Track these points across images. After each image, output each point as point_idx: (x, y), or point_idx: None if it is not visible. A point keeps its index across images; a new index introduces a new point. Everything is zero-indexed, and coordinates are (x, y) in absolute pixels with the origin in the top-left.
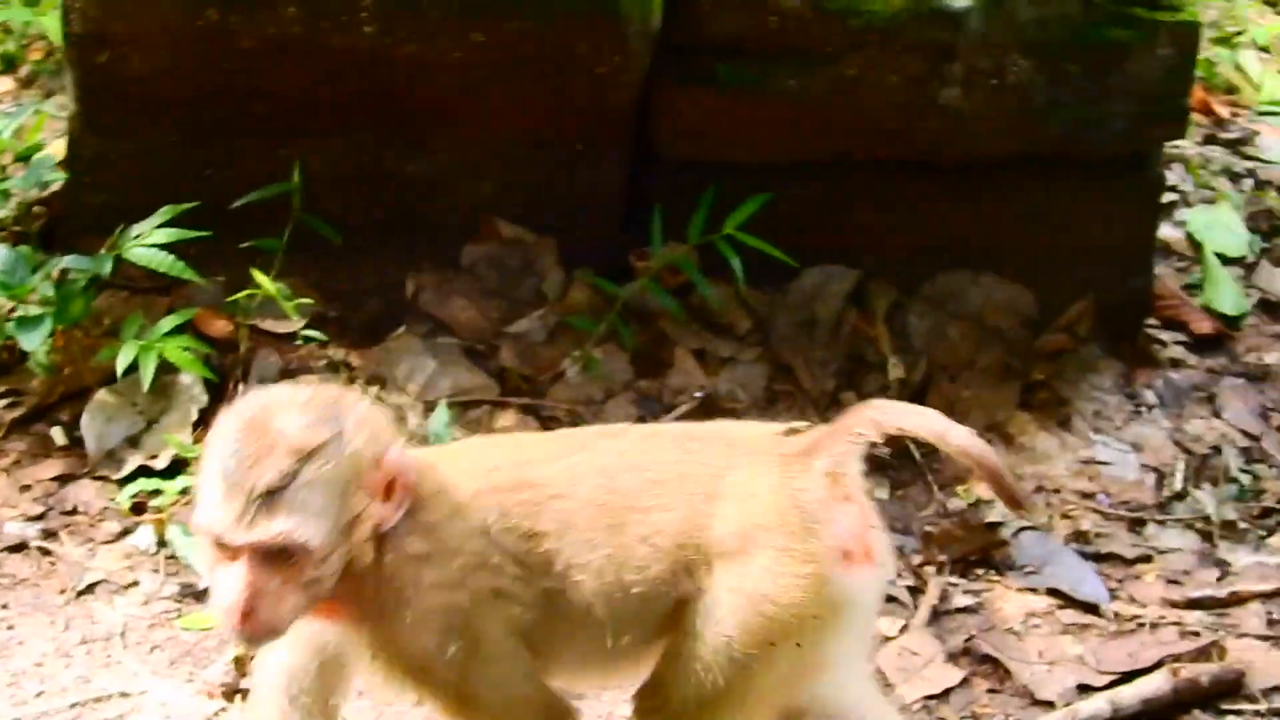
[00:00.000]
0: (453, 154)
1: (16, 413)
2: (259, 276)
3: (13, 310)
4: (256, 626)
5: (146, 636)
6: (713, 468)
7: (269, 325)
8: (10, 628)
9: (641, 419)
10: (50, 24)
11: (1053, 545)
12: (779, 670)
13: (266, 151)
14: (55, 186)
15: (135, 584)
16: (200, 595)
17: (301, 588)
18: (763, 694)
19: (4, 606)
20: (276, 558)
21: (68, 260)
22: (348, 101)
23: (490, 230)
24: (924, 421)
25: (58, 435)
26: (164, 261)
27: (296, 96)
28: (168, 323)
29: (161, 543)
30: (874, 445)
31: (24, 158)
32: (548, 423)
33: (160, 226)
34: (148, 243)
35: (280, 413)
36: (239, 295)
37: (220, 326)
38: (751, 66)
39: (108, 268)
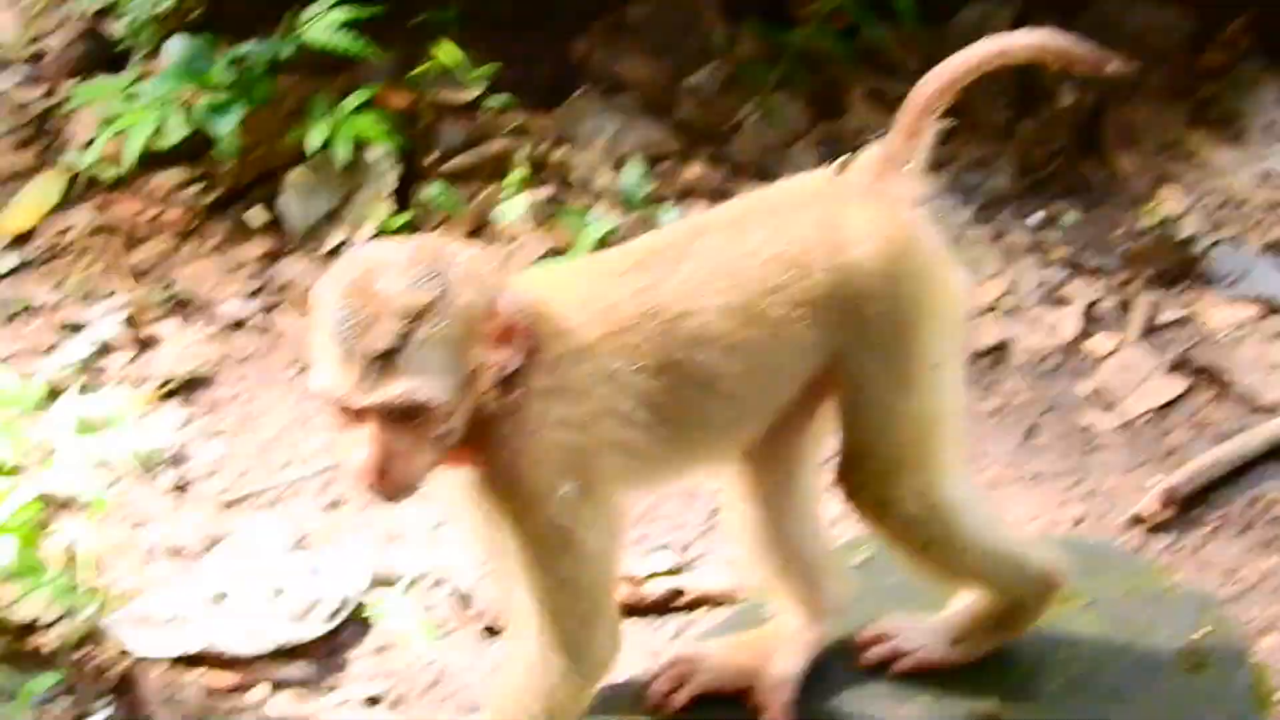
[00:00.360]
0: None
1: (210, 198)
2: (443, 46)
3: (193, 97)
4: (391, 484)
5: None
6: (820, 222)
7: (448, 97)
8: (250, 401)
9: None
10: None
11: (1249, 256)
12: (952, 383)
13: None
14: None
15: None
16: None
17: (430, 443)
18: (945, 416)
19: (242, 378)
20: (402, 417)
21: (248, 45)
22: None
23: None
24: (974, 55)
25: (255, 216)
26: (343, 40)
27: None
28: (352, 100)
29: None
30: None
31: None
32: (736, 169)
33: (334, 6)
34: (327, 22)
35: (382, 274)
36: (420, 69)
37: (400, 101)
38: None
39: (288, 50)
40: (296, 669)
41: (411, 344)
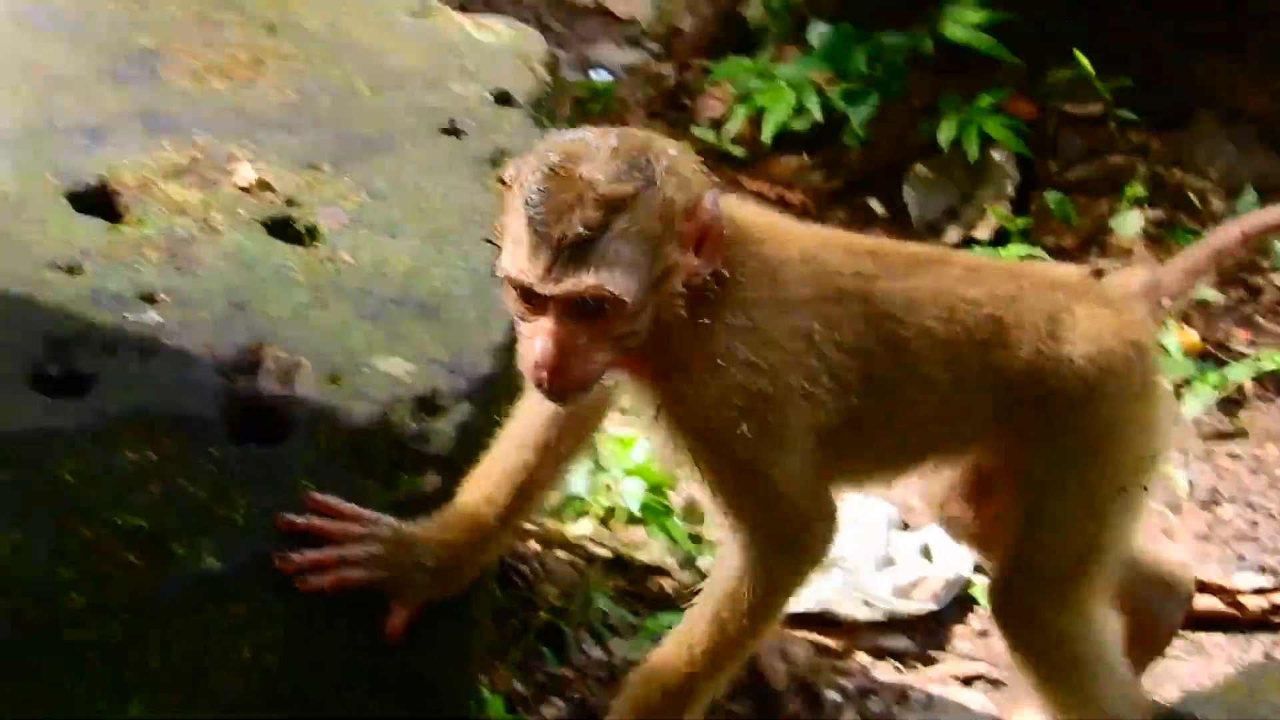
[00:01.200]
0: None
1: (835, 183)
2: (1079, 56)
3: (829, 83)
4: (565, 382)
5: None
6: (1051, 309)
7: (1073, 108)
8: None
9: None
10: None
11: None
12: (1131, 514)
13: None
14: None
15: None
16: None
17: (610, 342)
18: (1117, 547)
19: None
20: (586, 311)
21: (889, 37)
22: None
23: None
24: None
25: (877, 205)
26: (981, 40)
27: None
28: (984, 100)
29: None
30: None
31: None
32: None
33: (974, 7)
34: (964, 22)
35: (588, 161)
36: (1049, 77)
37: (1027, 108)
38: None
39: (928, 44)
40: (900, 640)
41: (608, 235)
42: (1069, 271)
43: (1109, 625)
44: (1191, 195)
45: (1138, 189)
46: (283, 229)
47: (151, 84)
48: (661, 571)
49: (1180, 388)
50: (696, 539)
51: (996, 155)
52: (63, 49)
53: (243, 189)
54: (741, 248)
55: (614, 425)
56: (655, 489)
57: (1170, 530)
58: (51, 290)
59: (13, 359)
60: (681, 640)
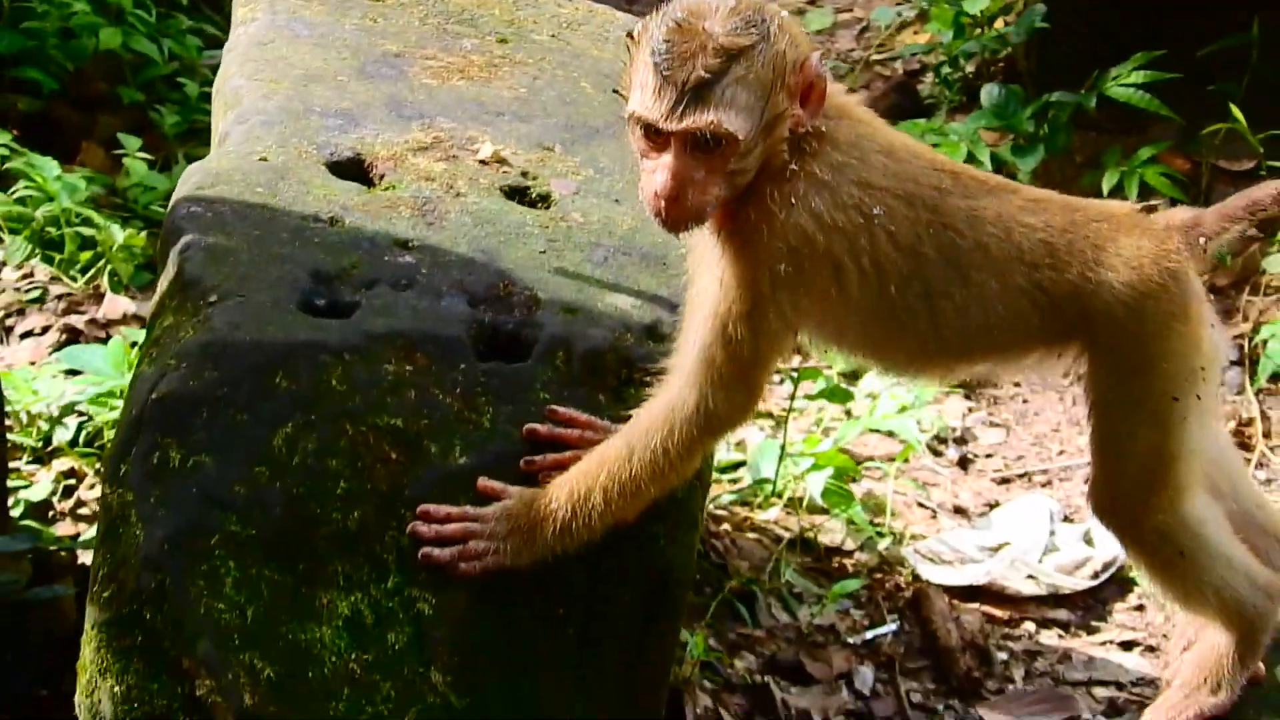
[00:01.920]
0: None
1: None
2: (1234, 110)
3: (999, 139)
4: (680, 210)
5: None
6: (1097, 238)
7: (1226, 163)
8: (1027, 401)
9: None
10: None
11: None
12: (1189, 425)
13: (1222, 6)
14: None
15: None
16: None
17: (723, 177)
18: (1186, 452)
19: (1018, 383)
20: (703, 147)
21: (1056, 95)
22: None
23: None
24: None
25: None
26: (1141, 98)
27: None
28: (1144, 153)
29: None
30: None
31: (1001, 13)
32: None
33: (1137, 68)
34: (1126, 82)
35: (710, 15)
36: (1206, 130)
37: (1183, 163)
38: None
39: (1092, 102)
40: (1063, 613)
41: (727, 78)
42: (1120, 206)
43: (1209, 518)
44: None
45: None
46: (520, 195)
47: (397, 80)
48: (843, 552)
49: None
50: (875, 525)
51: (1155, 203)
52: (318, 52)
53: (483, 162)
54: (839, 121)
55: (801, 420)
56: (839, 475)
57: None
58: (316, 236)
59: (284, 289)
60: (589, 464)
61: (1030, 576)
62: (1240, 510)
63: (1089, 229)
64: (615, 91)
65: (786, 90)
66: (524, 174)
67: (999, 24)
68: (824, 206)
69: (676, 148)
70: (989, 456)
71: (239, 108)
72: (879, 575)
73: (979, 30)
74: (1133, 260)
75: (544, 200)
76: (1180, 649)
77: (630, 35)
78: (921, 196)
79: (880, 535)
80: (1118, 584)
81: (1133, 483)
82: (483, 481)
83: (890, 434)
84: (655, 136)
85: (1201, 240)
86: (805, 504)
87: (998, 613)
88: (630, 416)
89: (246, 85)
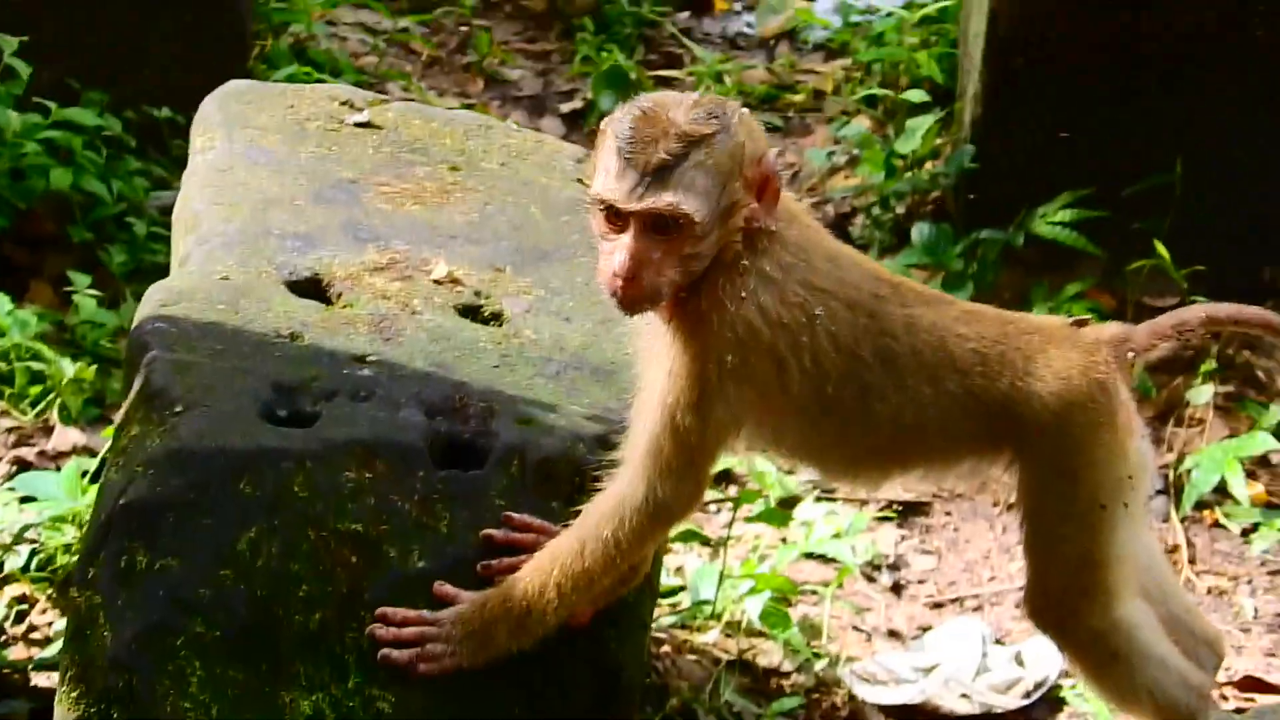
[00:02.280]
0: None
1: None
2: (1159, 246)
3: (930, 276)
4: (637, 290)
5: None
6: (1028, 349)
7: (1150, 299)
8: (957, 530)
9: None
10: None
11: None
12: (1118, 532)
13: (1146, 147)
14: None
15: None
16: None
17: (679, 260)
18: (1115, 558)
19: (949, 512)
20: (661, 229)
21: (985, 233)
22: (1227, 102)
23: None
24: (1248, 315)
25: None
26: (1068, 236)
27: (1183, 95)
28: (1071, 289)
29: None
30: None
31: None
32: None
33: (1064, 207)
34: (1053, 220)
35: (674, 106)
36: (1131, 266)
37: (1106, 300)
38: None
39: (1020, 240)
40: None
41: (686, 163)
42: (1052, 321)
43: (1141, 621)
44: (1259, 374)
45: (1210, 365)
46: (473, 313)
47: (353, 205)
48: (781, 673)
49: (1247, 532)
50: (812, 647)
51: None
52: (275, 178)
53: (437, 282)
54: (789, 224)
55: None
56: (777, 597)
57: (1239, 646)
58: (277, 350)
59: (247, 400)
60: (542, 560)
61: (964, 695)
62: (1171, 615)
63: (1020, 340)
64: (579, 181)
65: (743, 180)
66: (477, 293)
67: (929, 165)
68: (771, 302)
69: (636, 228)
70: (921, 582)
71: (199, 230)
72: (816, 696)
73: (909, 171)
74: (1061, 371)
75: (496, 318)
76: None
77: (598, 126)
78: (861, 302)
79: (817, 657)
80: (1049, 703)
81: (1064, 588)
82: (438, 587)
83: (825, 559)
84: (615, 218)
85: (1130, 355)
86: (744, 626)
87: None
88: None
89: (206, 209)
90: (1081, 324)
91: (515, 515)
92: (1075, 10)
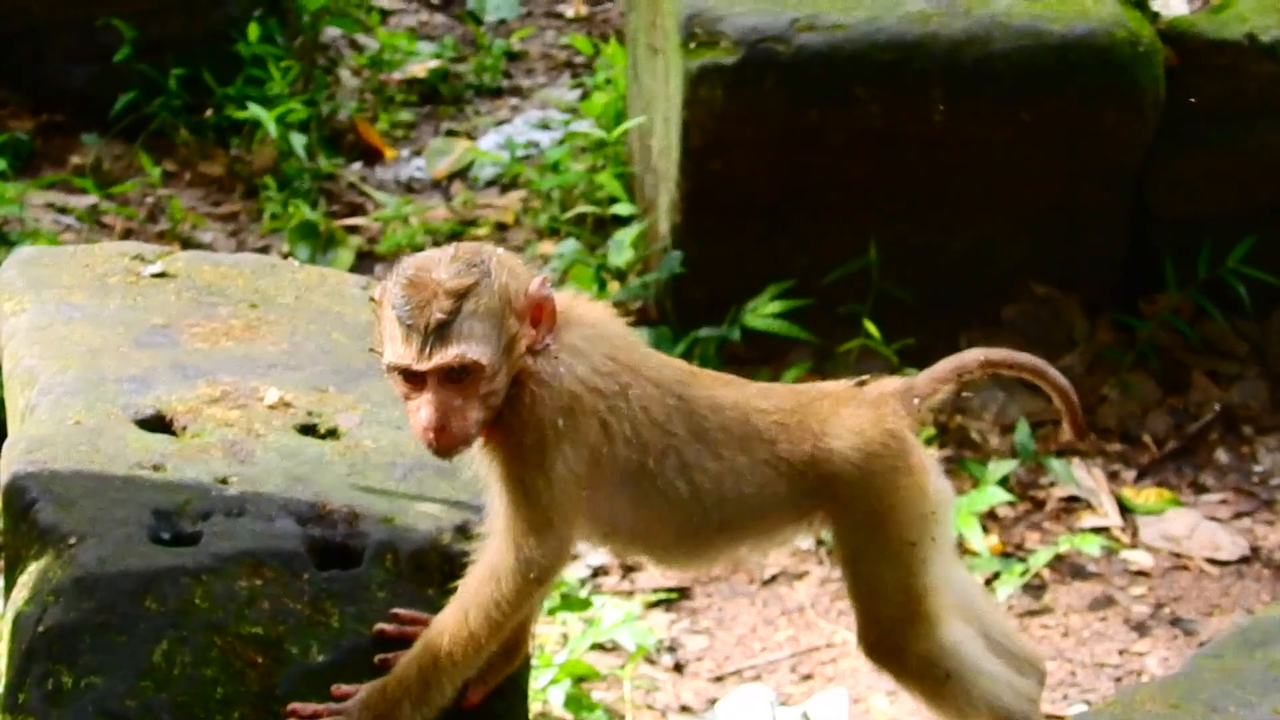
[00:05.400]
0: (987, 227)
1: None
2: (868, 325)
3: None
4: (449, 438)
5: (830, 607)
6: (822, 413)
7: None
8: (720, 610)
9: (1177, 428)
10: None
11: None
12: (930, 564)
13: (841, 234)
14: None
15: (807, 573)
16: None
17: (479, 400)
18: (931, 588)
19: (710, 594)
20: (455, 379)
21: (703, 331)
22: (912, 185)
23: (1024, 291)
24: (1023, 359)
25: None
26: (779, 325)
27: (870, 184)
28: (789, 375)
29: (819, 541)
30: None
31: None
32: (1101, 434)
33: (773, 299)
34: (763, 313)
35: (435, 266)
36: (846, 345)
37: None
38: (1236, 127)
39: (735, 334)
40: None
41: (461, 315)
42: (835, 385)
43: (964, 638)
44: (974, 435)
45: (928, 432)
46: (311, 430)
47: (173, 347)
48: None
49: (990, 580)
50: None
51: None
52: (94, 330)
53: (271, 406)
54: (588, 309)
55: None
56: (579, 681)
57: None
58: (146, 481)
59: (132, 527)
60: (430, 634)
61: None
62: (991, 639)
63: (814, 407)
64: (371, 350)
65: (515, 314)
66: (309, 413)
67: (630, 277)
68: (586, 371)
69: (432, 384)
70: (700, 659)
71: (39, 383)
72: None
73: (618, 282)
74: (855, 427)
75: (333, 433)
76: None
77: (372, 299)
78: (666, 383)
79: None
80: None
81: (890, 621)
82: (336, 687)
83: (604, 647)
84: (413, 379)
85: (916, 401)
86: (549, 715)
87: None
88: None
89: (39, 364)
90: (862, 384)
91: (403, 611)
92: (763, 113)
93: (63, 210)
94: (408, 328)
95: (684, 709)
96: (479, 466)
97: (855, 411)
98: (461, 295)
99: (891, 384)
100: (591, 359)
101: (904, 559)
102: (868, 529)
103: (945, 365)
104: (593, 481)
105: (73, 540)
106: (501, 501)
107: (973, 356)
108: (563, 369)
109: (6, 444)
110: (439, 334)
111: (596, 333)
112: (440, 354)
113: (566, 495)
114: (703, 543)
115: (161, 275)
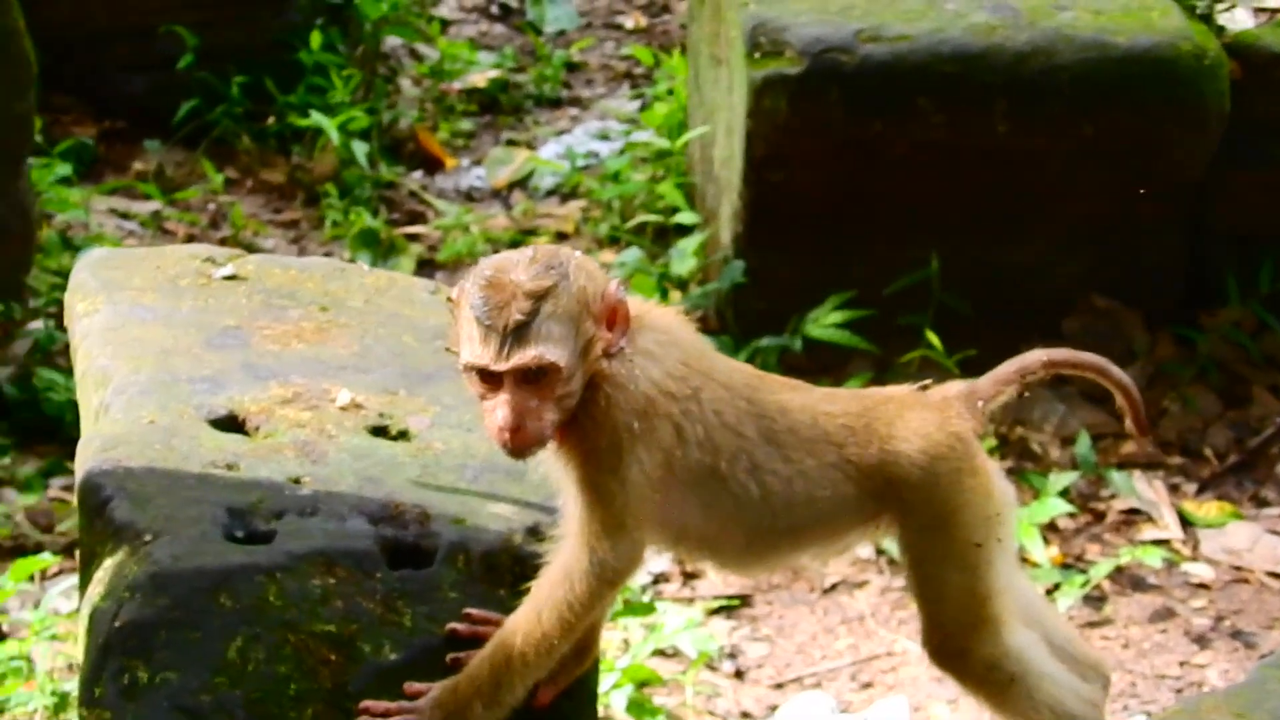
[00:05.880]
0: (1049, 240)
1: None
2: (930, 336)
3: None
4: (524, 438)
5: (890, 616)
6: (888, 417)
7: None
8: (781, 617)
9: (1238, 441)
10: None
11: None
12: (995, 566)
13: (902, 246)
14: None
15: (867, 582)
16: None
17: (554, 402)
18: (996, 590)
19: (770, 601)
20: (531, 380)
21: (764, 340)
22: (973, 198)
23: (1085, 304)
24: (1086, 359)
25: None
26: (841, 335)
27: (932, 196)
28: (849, 386)
29: (879, 551)
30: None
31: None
32: (1163, 447)
33: (835, 309)
34: (824, 323)
35: (514, 268)
36: (907, 356)
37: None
38: None
39: (797, 344)
40: None
41: (539, 317)
42: (898, 390)
43: (1028, 643)
44: (1035, 447)
45: (989, 443)
46: (382, 432)
47: (244, 348)
48: None
49: (1051, 591)
50: None
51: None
52: (166, 331)
53: (342, 408)
54: (659, 315)
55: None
56: (641, 685)
57: None
58: (219, 480)
59: (206, 525)
60: (503, 634)
61: None
62: (1053, 644)
63: (879, 410)
64: (447, 349)
65: (592, 317)
66: (381, 414)
67: (691, 286)
68: (659, 375)
69: (509, 385)
70: (760, 666)
71: (112, 383)
72: None
73: (680, 291)
74: (920, 430)
75: (404, 435)
76: None
77: (449, 299)
78: (736, 386)
79: None
80: None
81: (955, 624)
82: (408, 685)
83: (665, 654)
84: (489, 379)
85: (980, 404)
86: None
87: None
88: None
89: (113, 364)
90: (925, 388)
91: (475, 611)
92: (826, 124)
93: (125, 216)
94: (486, 328)
95: (744, 715)
96: (552, 469)
97: (920, 415)
98: (540, 297)
99: (955, 387)
100: (665, 363)
101: (969, 561)
102: (933, 532)
103: (1008, 367)
104: (665, 484)
105: (148, 537)
106: (576, 504)
107: (1035, 357)
108: (637, 371)
109: (81, 442)
110: (517, 335)
111: (669, 338)
112: (518, 355)
113: (640, 498)
114: (770, 547)
115: (232, 278)
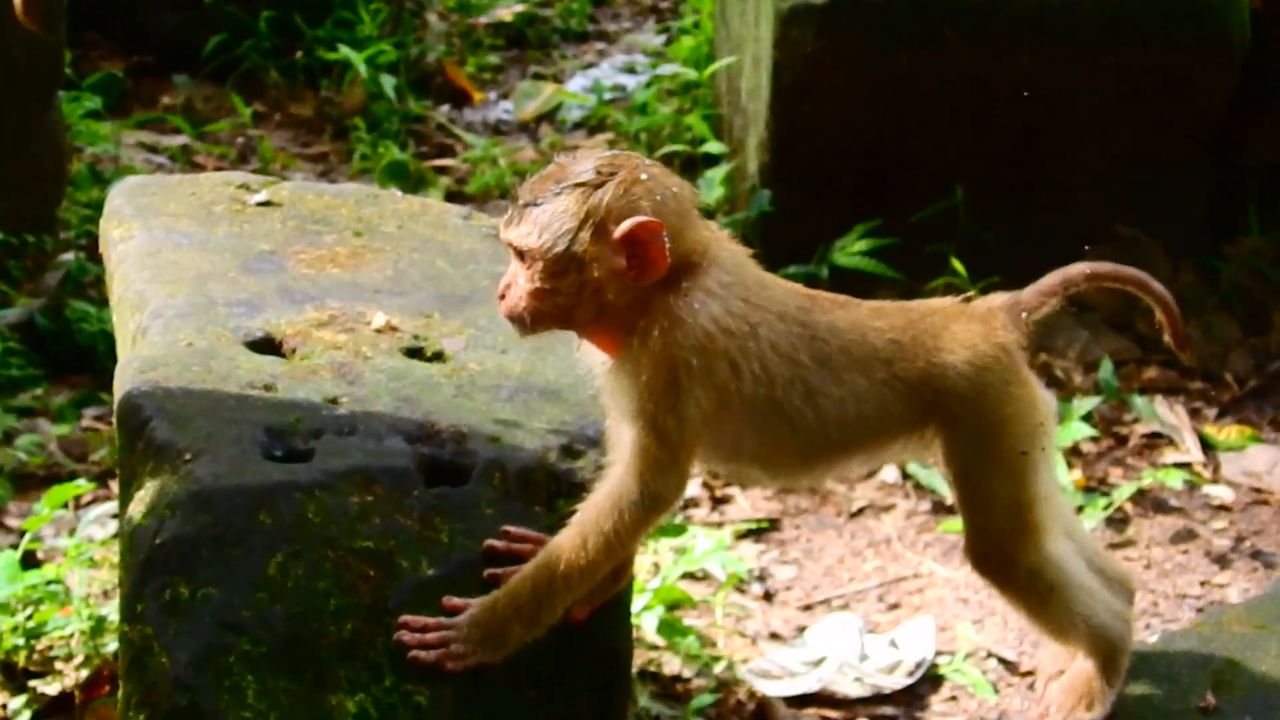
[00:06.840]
0: (1073, 172)
1: None
2: (955, 263)
3: None
4: (504, 305)
5: (916, 539)
6: (934, 329)
7: None
8: (809, 541)
9: (1258, 367)
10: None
11: None
12: (1040, 473)
13: (928, 177)
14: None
15: (893, 506)
16: (948, 508)
17: (537, 291)
18: (1040, 497)
19: (798, 526)
20: (520, 258)
21: (792, 268)
22: (999, 130)
23: (1109, 234)
24: (1127, 272)
25: None
26: (867, 263)
27: (958, 128)
28: None
29: (905, 475)
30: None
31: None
32: (1184, 374)
33: (860, 237)
34: (851, 251)
35: (577, 160)
36: (932, 284)
37: None
38: None
39: (824, 271)
40: (889, 709)
41: (543, 205)
42: (941, 301)
43: (1067, 553)
44: (1059, 373)
45: None
46: (417, 354)
47: (279, 273)
48: (683, 679)
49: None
50: (708, 653)
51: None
52: (202, 256)
53: (378, 330)
54: (722, 251)
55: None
56: (672, 607)
57: None
58: (258, 401)
59: (246, 444)
60: (546, 556)
61: (856, 680)
62: (1084, 556)
63: (924, 323)
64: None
65: (599, 236)
66: (415, 337)
67: (718, 216)
68: (720, 312)
69: (513, 255)
70: (789, 589)
71: (149, 307)
72: (721, 694)
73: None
74: (967, 342)
75: (439, 357)
76: (1045, 681)
77: None
78: (790, 313)
79: (715, 660)
80: (930, 681)
81: (1000, 533)
82: (446, 600)
83: (695, 577)
84: (508, 247)
85: (1024, 315)
86: (643, 640)
87: (833, 714)
88: (565, 522)
89: (150, 288)
90: (969, 299)
91: (513, 529)
92: (853, 55)
93: (154, 149)
94: (514, 199)
95: (774, 636)
96: (607, 397)
97: (966, 326)
98: (560, 184)
99: (999, 299)
100: (726, 300)
101: (1016, 470)
102: (980, 442)
103: (1051, 279)
104: (720, 418)
105: (188, 456)
106: (631, 436)
107: (1079, 269)
108: (697, 306)
109: (120, 365)
110: (521, 213)
111: (733, 278)
112: (513, 230)
113: (694, 434)
114: (821, 460)
115: (267, 204)
